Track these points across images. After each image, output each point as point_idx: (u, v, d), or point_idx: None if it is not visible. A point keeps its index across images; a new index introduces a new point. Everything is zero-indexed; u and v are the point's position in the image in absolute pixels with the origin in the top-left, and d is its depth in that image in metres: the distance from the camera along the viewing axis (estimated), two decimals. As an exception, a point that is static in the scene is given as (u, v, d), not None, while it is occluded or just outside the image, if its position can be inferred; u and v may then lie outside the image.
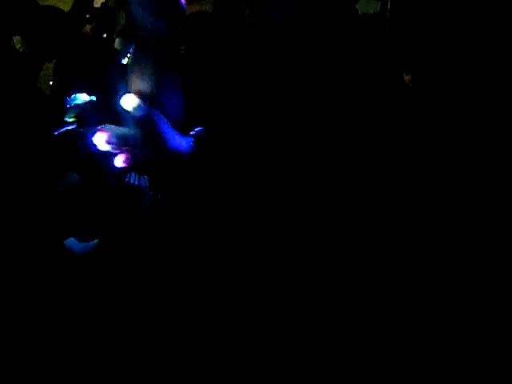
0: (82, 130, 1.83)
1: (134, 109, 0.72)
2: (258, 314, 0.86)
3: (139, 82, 0.75)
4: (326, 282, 0.80)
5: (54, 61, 2.18)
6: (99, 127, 0.74)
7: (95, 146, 0.73)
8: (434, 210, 0.85)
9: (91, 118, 1.86)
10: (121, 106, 0.73)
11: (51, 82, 2.30)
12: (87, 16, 3.51)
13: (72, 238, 1.57)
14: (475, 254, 0.99)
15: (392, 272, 0.81)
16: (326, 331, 0.84)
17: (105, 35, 3.65)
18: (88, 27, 3.34)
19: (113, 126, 0.74)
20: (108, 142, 0.72)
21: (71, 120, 1.84)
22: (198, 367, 0.90)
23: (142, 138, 0.74)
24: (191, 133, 0.83)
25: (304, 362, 0.84)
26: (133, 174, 0.93)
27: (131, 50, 0.79)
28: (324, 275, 0.79)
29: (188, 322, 0.92)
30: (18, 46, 1.94)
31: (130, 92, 0.74)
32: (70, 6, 3.28)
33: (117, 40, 4.08)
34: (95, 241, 1.60)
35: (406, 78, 2.58)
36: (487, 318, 0.96)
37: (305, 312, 0.84)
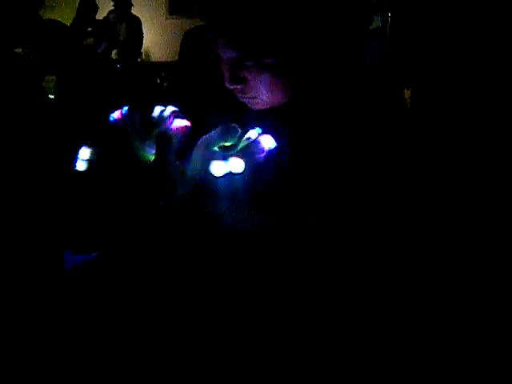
0: None
1: None
2: (256, 316, 0.86)
3: None
4: (326, 280, 0.79)
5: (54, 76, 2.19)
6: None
7: None
8: (433, 222, 0.85)
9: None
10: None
11: (52, 96, 2.30)
12: (89, 29, 3.55)
13: (69, 251, 1.56)
14: (476, 253, 0.99)
15: (392, 271, 0.80)
16: (325, 333, 0.83)
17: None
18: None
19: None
20: None
21: None
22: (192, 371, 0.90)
23: None
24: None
25: (303, 363, 0.83)
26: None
27: None
28: (325, 272, 0.78)
29: (187, 327, 0.91)
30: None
31: None
32: (71, 20, 3.32)
33: (114, 51, 4.17)
34: (93, 254, 1.59)
35: (406, 92, 2.60)
36: (487, 318, 0.95)
37: (303, 314, 0.83)
